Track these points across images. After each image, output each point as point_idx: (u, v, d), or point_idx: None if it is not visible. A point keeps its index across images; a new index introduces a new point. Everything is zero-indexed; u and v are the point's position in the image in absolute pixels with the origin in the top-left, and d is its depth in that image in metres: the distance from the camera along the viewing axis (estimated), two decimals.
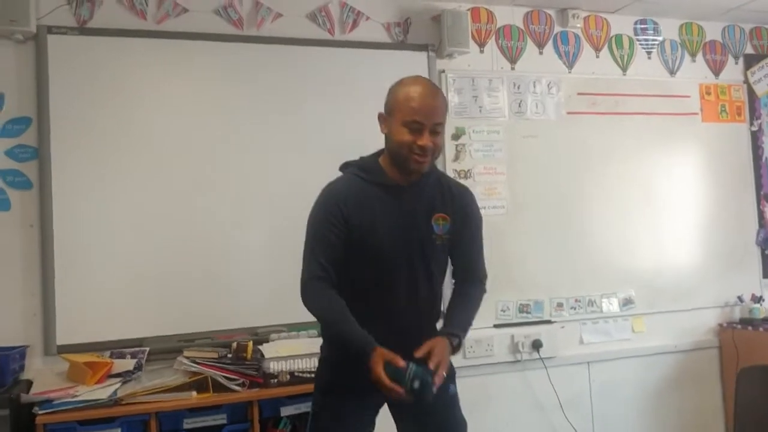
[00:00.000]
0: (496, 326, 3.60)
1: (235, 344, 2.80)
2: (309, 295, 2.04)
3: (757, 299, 4.03)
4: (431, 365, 1.91)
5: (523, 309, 3.67)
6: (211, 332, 3.06)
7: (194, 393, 2.65)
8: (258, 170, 3.28)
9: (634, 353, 3.86)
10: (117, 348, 2.88)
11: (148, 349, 2.88)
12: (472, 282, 2.22)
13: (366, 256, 2.05)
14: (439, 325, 2.14)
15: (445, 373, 2.00)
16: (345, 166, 2.21)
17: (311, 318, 3.10)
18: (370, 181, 2.10)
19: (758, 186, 4.24)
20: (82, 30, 3.07)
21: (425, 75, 2.87)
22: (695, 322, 4.03)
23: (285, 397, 2.71)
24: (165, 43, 3.18)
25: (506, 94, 3.75)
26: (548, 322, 3.71)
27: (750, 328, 3.84)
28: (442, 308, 2.21)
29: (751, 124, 4.27)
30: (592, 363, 3.78)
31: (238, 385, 2.70)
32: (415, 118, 1.97)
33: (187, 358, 2.72)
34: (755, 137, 4.27)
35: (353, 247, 2.05)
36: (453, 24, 3.53)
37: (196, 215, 3.15)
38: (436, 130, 2.02)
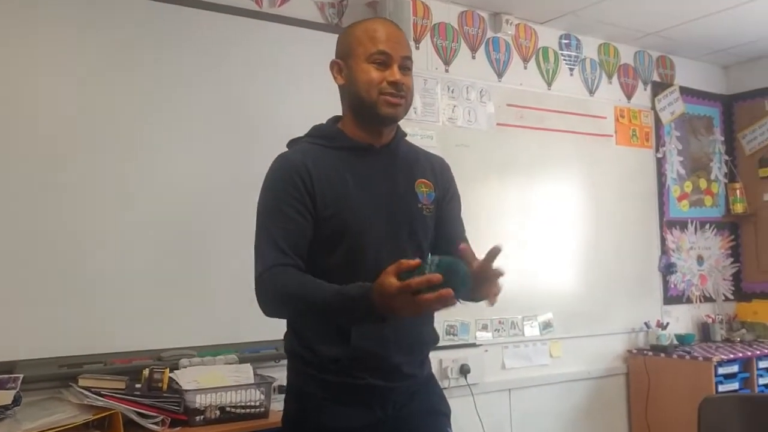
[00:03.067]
0: None
1: (146, 371, 2.20)
2: (266, 285, 1.55)
3: (663, 326, 4.03)
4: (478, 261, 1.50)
5: (449, 330, 3.35)
6: (101, 355, 2.43)
7: None
8: (159, 160, 2.67)
9: (551, 380, 3.68)
10: None
11: (21, 376, 2.17)
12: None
13: (340, 237, 1.63)
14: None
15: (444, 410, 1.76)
16: (294, 142, 1.77)
17: (225, 339, 2.71)
18: (333, 147, 1.69)
19: (661, 213, 4.29)
20: None
21: None
22: (605, 347, 3.96)
23: None
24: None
25: (441, 97, 3.46)
26: (473, 345, 3.43)
27: (662, 355, 3.81)
28: None
29: (657, 150, 4.31)
30: (513, 390, 3.55)
31: (155, 423, 2.11)
32: (381, 48, 1.63)
33: (86, 388, 2.08)
34: (660, 164, 4.31)
35: (323, 228, 1.62)
36: (395, 11, 3.17)
37: (80, 207, 2.49)
38: (406, 65, 1.67)
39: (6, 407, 2.01)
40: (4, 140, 2.39)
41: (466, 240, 1.82)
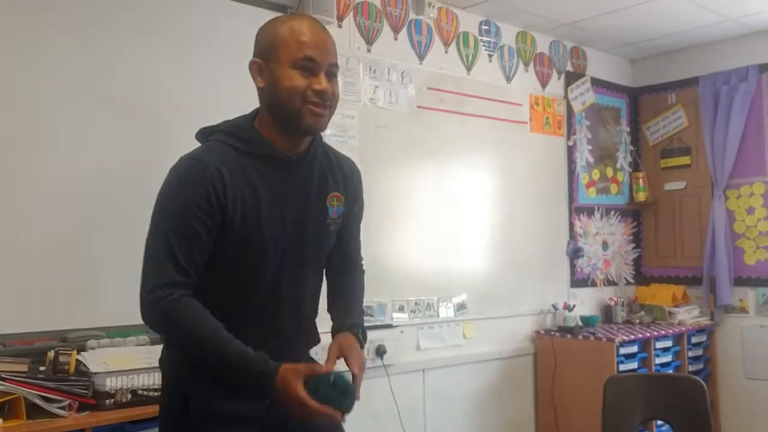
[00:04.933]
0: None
1: (51, 353, 2.08)
2: (161, 310, 1.48)
3: (570, 308, 4.18)
4: (356, 369, 1.60)
5: (367, 311, 3.34)
6: (0, 336, 2.28)
7: (0, 421, 1.90)
8: (53, 133, 2.51)
9: (464, 360, 3.76)
10: None
11: None
12: (356, 268, 1.89)
13: (244, 251, 1.57)
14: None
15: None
16: (206, 134, 1.66)
17: (136, 320, 2.58)
18: (247, 152, 1.59)
19: (570, 199, 4.43)
20: None
21: None
22: (515, 328, 4.07)
23: (127, 422, 2.07)
24: None
25: (362, 77, 3.43)
26: (389, 326, 3.45)
27: (568, 336, 3.96)
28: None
29: (568, 138, 4.44)
30: (427, 370, 3.60)
31: (61, 407, 2.00)
32: (308, 54, 1.53)
33: None
34: (570, 151, 4.45)
35: (227, 240, 1.55)
36: None
37: None
38: (333, 72, 1.59)
39: None
40: None
41: (357, 257, 1.89)
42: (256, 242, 1.57)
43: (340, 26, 3.37)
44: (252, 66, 1.60)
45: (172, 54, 2.80)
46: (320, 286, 1.81)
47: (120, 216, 2.59)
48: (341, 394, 1.50)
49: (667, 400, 2.60)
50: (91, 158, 2.57)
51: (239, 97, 1.75)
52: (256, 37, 1.64)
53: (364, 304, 3.24)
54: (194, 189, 1.51)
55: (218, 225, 1.53)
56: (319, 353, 1.84)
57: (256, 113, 1.67)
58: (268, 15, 2.99)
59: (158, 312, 1.49)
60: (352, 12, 3.43)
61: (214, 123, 1.69)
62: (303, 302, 1.72)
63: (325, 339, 1.79)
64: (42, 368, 2.07)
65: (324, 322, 1.80)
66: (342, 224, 1.76)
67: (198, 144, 1.66)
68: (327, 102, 1.57)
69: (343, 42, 3.36)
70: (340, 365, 1.61)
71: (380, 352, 3.32)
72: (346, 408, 1.51)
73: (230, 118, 1.70)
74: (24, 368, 2.00)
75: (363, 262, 1.93)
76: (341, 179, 1.75)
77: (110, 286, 2.55)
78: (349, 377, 1.57)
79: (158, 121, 2.73)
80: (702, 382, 2.57)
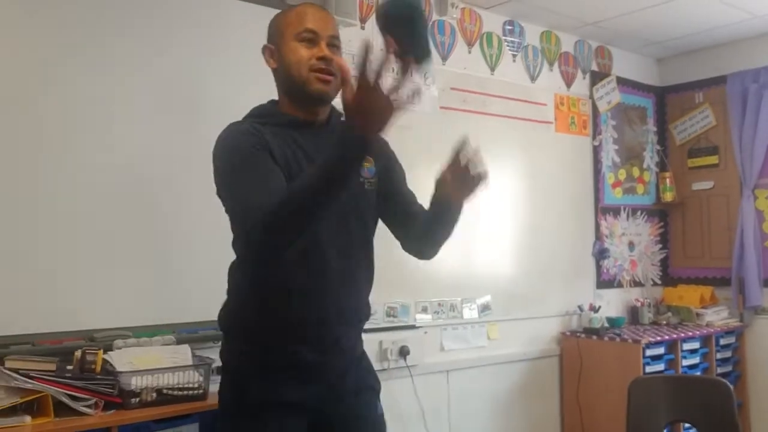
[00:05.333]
0: (364, 331, 3.24)
1: (78, 353, 2.12)
2: (277, 207, 1.44)
3: (595, 309, 4.15)
4: None
5: (390, 312, 3.36)
6: (29, 335, 2.31)
7: (28, 418, 1.95)
8: (94, 128, 2.53)
9: (488, 361, 3.75)
10: None
11: None
12: None
13: None
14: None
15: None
16: (233, 125, 1.73)
17: (162, 320, 2.64)
18: (274, 124, 1.69)
19: (596, 199, 4.40)
20: None
21: None
22: (541, 330, 4.05)
23: (152, 420, 2.09)
24: None
25: (385, 79, 3.43)
26: (413, 327, 3.45)
27: (594, 337, 3.93)
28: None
29: (594, 138, 4.41)
30: (451, 371, 3.59)
31: (88, 406, 2.03)
32: (308, 26, 1.67)
33: (13, 370, 1.98)
34: (596, 151, 4.42)
35: None
36: None
37: (11, 181, 2.35)
38: (334, 43, 1.70)
39: None
40: None
41: (420, 205, 1.91)
42: None
43: (362, 28, 3.38)
44: (264, 51, 1.75)
45: (210, 52, 2.83)
46: (369, 250, 1.84)
47: (150, 216, 2.63)
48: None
49: (693, 402, 2.57)
50: (122, 159, 2.59)
51: (272, 90, 1.81)
52: (269, 27, 1.77)
53: (388, 304, 3.32)
54: (245, 139, 1.62)
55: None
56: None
57: (274, 102, 1.79)
58: None
59: (268, 222, 1.44)
60: (374, 14, 3.44)
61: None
62: (352, 263, 1.76)
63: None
64: (69, 367, 2.10)
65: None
66: (381, 186, 1.82)
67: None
68: (331, 66, 1.66)
69: None
70: None
71: (404, 352, 3.33)
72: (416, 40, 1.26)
73: None
74: (52, 367, 2.04)
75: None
76: None
77: (138, 286, 2.59)
78: None
79: (194, 116, 2.75)
80: (728, 383, 2.54)
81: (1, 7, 2.39)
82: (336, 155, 1.39)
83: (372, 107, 1.33)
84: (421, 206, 1.90)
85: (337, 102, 1.55)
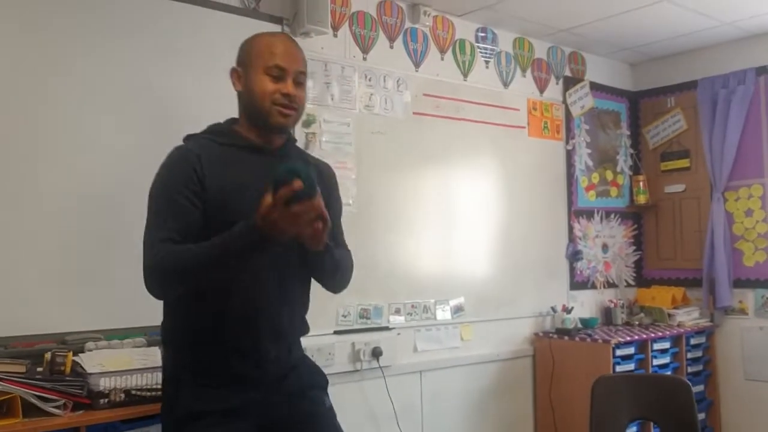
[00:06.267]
0: (336, 333, 3.31)
1: (48, 355, 2.18)
2: (156, 262, 1.64)
3: (568, 310, 4.22)
4: None
5: (363, 314, 3.43)
6: (2, 338, 2.37)
7: None
8: (54, 136, 2.60)
9: (462, 362, 3.82)
10: None
11: None
12: (343, 247, 1.99)
13: (227, 227, 1.64)
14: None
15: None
16: (189, 138, 1.86)
17: (134, 322, 2.69)
18: (227, 144, 1.80)
19: (569, 202, 4.48)
20: None
21: None
22: (514, 330, 4.12)
23: (120, 421, 2.14)
24: None
25: (358, 85, 3.51)
26: (386, 328, 3.51)
27: (566, 337, 4.00)
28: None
29: (567, 142, 4.49)
30: (424, 372, 3.66)
31: (57, 407, 2.09)
32: (278, 63, 1.77)
33: None
34: (569, 155, 4.50)
35: (212, 220, 1.69)
36: None
37: None
38: (300, 80, 1.82)
39: None
40: None
41: (343, 244, 1.98)
42: (237, 216, 1.63)
43: (335, 35, 3.45)
44: (232, 73, 1.85)
45: (181, 63, 2.90)
46: (306, 278, 1.91)
47: (122, 221, 2.67)
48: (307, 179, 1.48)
49: (654, 400, 2.64)
50: (92, 162, 2.66)
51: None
52: (239, 49, 1.87)
53: (361, 306, 3.37)
54: (176, 168, 1.73)
55: (201, 200, 1.70)
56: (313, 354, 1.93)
57: (234, 120, 1.89)
58: (267, 26, 3.12)
59: (153, 263, 1.64)
60: (347, 22, 3.51)
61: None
62: (287, 291, 1.83)
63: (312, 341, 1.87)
64: (40, 369, 2.16)
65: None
66: None
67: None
68: (294, 104, 1.79)
69: (338, 51, 3.45)
70: None
71: (376, 353, 3.39)
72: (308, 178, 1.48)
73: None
74: (22, 369, 2.10)
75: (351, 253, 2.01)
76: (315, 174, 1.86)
77: (110, 290, 2.64)
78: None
79: (167, 126, 2.79)
80: (687, 382, 2.62)
81: None
82: (235, 238, 1.56)
83: (280, 223, 1.50)
84: (338, 242, 1.95)
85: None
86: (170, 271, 1.63)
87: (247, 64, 1.81)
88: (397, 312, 3.57)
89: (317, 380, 1.95)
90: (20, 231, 2.49)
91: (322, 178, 1.88)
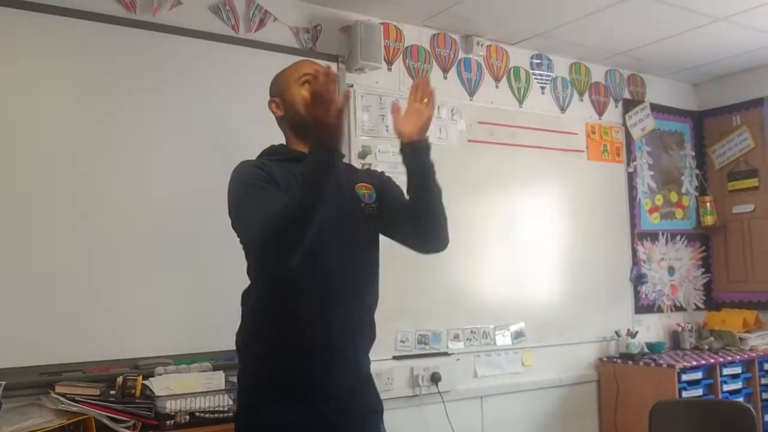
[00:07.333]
0: (395, 358, 3.39)
1: (120, 379, 2.35)
2: (270, 223, 1.63)
3: (633, 334, 4.16)
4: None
5: (421, 340, 3.49)
6: (80, 364, 2.56)
7: None
8: (139, 173, 2.83)
9: (523, 387, 3.81)
10: None
11: (3, 383, 2.32)
12: None
13: None
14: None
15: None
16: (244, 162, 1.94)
17: (201, 348, 2.85)
18: (282, 160, 1.90)
19: (632, 225, 4.43)
20: None
21: None
22: (577, 356, 4.09)
23: None
24: (35, 18, 2.66)
25: None
26: (445, 354, 3.56)
27: (630, 362, 3.94)
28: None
29: (628, 165, 4.46)
30: (485, 397, 3.68)
31: (127, 427, 2.25)
32: (306, 71, 1.91)
33: (61, 394, 2.22)
34: (631, 178, 4.46)
35: None
36: (366, 36, 3.33)
37: (61, 224, 2.64)
38: None
39: None
40: (5, 152, 2.57)
41: None
42: None
43: (389, 69, 3.57)
44: (270, 105, 1.99)
45: (246, 99, 3.02)
46: (373, 273, 1.97)
47: (191, 253, 2.87)
48: None
49: (714, 426, 2.59)
50: (165, 189, 2.87)
51: None
52: (270, 86, 2.03)
53: (419, 332, 3.42)
54: (253, 170, 1.82)
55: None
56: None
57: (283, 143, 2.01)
58: (324, 64, 3.25)
59: (267, 230, 1.64)
60: (401, 55, 3.63)
61: None
62: (357, 285, 1.89)
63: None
64: (112, 392, 2.32)
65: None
66: (381, 208, 1.96)
67: None
68: None
69: (392, 84, 3.57)
70: None
71: (435, 379, 3.44)
72: None
73: None
74: (96, 392, 2.27)
75: None
76: (365, 176, 2.05)
77: (179, 318, 2.82)
78: None
79: (226, 159, 2.97)
80: (749, 407, 2.57)
81: (56, 69, 2.71)
82: (310, 163, 1.64)
83: (322, 113, 1.59)
84: None
85: None
86: (283, 224, 1.63)
87: (282, 88, 1.96)
88: (456, 338, 3.62)
89: (376, 404, 1.99)
90: (99, 265, 2.69)
91: (373, 178, 2.02)
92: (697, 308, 4.65)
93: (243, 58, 3.12)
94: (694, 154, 4.79)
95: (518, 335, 3.83)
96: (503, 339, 3.78)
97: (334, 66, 3.30)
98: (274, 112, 1.98)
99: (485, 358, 3.72)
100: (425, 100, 1.87)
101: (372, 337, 1.99)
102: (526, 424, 3.83)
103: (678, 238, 4.62)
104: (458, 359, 3.61)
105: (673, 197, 4.65)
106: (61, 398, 2.21)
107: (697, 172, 4.78)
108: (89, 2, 2.78)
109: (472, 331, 3.67)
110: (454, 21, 3.66)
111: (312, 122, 1.62)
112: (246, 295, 1.93)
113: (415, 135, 1.86)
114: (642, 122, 4.55)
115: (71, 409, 2.19)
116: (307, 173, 1.64)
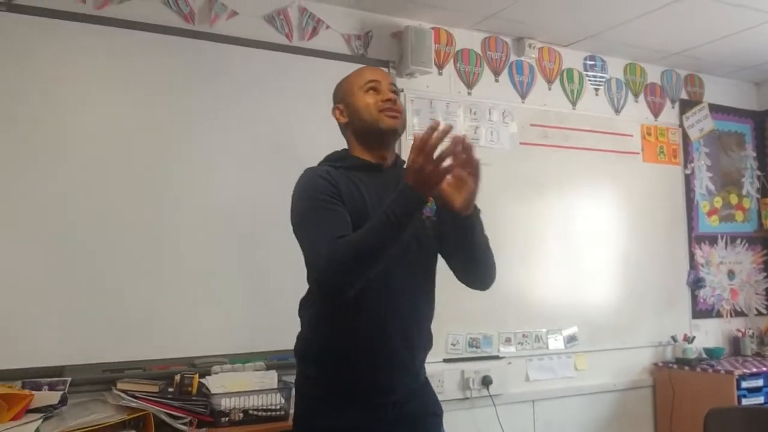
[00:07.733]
0: (446, 360, 3.41)
1: (178, 377, 2.44)
2: (337, 254, 1.65)
3: (690, 339, 4.07)
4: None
5: (472, 343, 3.50)
6: (141, 362, 2.68)
7: None
8: (199, 179, 2.94)
9: (576, 392, 3.78)
10: (30, 377, 2.43)
11: (69, 379, 2.45)
12: None
13: None
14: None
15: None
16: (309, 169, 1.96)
17: (256, 348, 2.93)
18: (346, 167, 1.90)
19: (690, 228, 4.33)
20: (10, 6, 2.65)
21: None
22: (631, 360, 4.03)
23: None
24: (103, 31, 2.81)
25: (463, 119, 3.63)
26: (496, 357, 3.56)
27: (687, 368, 3.86)
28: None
29: (685, 167, 4.36)
30: (536, 401, 3.66)
31: (184, 423, 2.34)
32: (370, 78, 1.94)
33: (123, 391, 2.33)
34: (688, 180, 4.37)
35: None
36: (417, 41, 3.37)
37: (126, 228, 2.76)
38: (394, 89, 1.95)
39: (54, 406, 2.29)
40: (62, 158, 2.70)
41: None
42: None
43: (440, 74, 3.59)
44: (334, 112, 2.00)
45: (299, 106, 3.16)
46: (431, 287, 1.97)
47: (247, 255, 2.96)
48: None
49: None
50: (227, 193, 2.97)
51: None
52: (333, 93, 2.03)
53: (470, 335, 3.43)
54: (317, 182, 1.83)
55: (344, 204, 1.80)
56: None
57: (345, 151, 2.00)
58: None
59: (331, 261, 1.65)
60: (452, 59, 3.65)
61: None
62: (417, 297, 1.91)
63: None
64: (171, 389, 2.42)
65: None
66: (443, 220, 1.92)
67: None
68: (397, 107, 1.91)
69: (443, 88, 3.59)
70: None
71: (486, 382, 3.45)
72: None
73: None
74: (155, 389, 2.37)
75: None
76: None
77: (236, 318, 2.91)
78: None
79: (285, 164, 3.05)
80: None
81: (140, 92, 2.87)
82: (396, 205, 1.62)
83: (427, 172, 1.57)
84: None
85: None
86: (351, 257, 1.65)
87: (346, 94, 1.95)
88: (508, 341, 3.61)
89: (436, 408, 2.01)
90: (160, 267, 2.81)
91: None
92: (759, 313, 4.51)
93: (297, 65, 3.20)
94: (755, 155, 4.66)
95: (571, 339, 3.80)
96: (555, 343, 3.76)
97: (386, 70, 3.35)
98: (337, 119, 1.98)
99: (537, 362, 3.70)
100: (468, 169, 1.72)
101: (429, 345, 2.00)
102: (580, 428, 3.79)
103: (738, 241, 4.50)
104: (510, 363, 3.60)
105: (733, 199, 4.53)
106: (123, 394, 2.31)
107: (759, 173, 4.64)
108: (152, 15, 2.91)
109: (524, 335, 3.66)
110: (506, 24, 3.66)
111: (411, 166, 1.59)
112: (304, 304, 1.96)
113: (465, 210, 1.75)
114: (700, 123, 4.45)
115: (131, 405, 2.29)
116: (391, 213, 1.62)
